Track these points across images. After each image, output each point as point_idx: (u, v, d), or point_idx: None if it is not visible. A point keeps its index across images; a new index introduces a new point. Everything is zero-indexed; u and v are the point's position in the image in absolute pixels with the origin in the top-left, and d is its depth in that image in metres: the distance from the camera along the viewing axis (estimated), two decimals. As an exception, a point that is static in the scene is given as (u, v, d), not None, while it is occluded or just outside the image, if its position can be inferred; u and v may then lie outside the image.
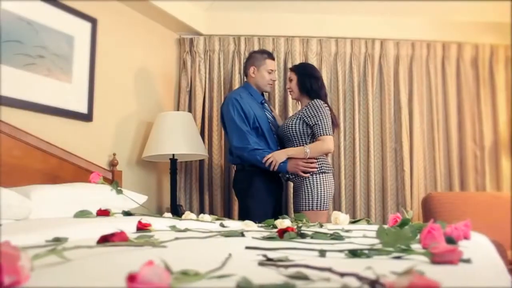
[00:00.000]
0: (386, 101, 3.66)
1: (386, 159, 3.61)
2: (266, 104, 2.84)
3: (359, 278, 0.53)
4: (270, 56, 2.79)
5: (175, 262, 0.81)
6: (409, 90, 3.71)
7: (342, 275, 0.57)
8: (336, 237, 1.27)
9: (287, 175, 2.61)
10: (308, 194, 2.50)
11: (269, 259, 0.85)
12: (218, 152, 3.53)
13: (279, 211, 2.91)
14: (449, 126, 3.72)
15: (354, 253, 0.92)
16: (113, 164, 2.89)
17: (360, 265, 0.80)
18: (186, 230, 1.42)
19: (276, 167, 2.55)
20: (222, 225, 1.65)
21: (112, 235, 1.05)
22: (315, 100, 2.55)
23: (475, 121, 3.75)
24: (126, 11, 3.17)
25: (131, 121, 3.17)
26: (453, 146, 3.70)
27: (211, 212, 3.43)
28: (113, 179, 2.80)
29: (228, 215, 3.44)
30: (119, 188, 2.26)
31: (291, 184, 3.34)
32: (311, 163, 2.53)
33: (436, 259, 0.82)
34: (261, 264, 0.80)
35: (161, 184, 3.42)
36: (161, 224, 1.48)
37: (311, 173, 2.52)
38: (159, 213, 3.10)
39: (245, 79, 2.93)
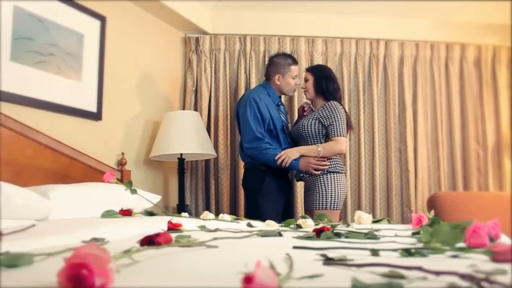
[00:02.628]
0: (390, 101, 3.67)
1: (391, 159, 3.63)
2: (282, 106, 2.82)
3: (463, 276, 0.52)
4: (294, 61, 2.76)
5: (236, 262, 0.80)
6: (413, 90, 3.73)
7: (437, 273, 0.57)
8: (371, 236, 1.27)
9: (301, 174, 2.61)
10: (322, 194, 2.49)
11: (329, 259, 0.84)
12: (224, 151, 3.51)
13: (288, 211, 2.90)
14: (453, 126, 3.75)
15: (408, 252, 0.92)
16: (121, 163, 2.86)
17: (429, 263, 0.79)
18: (216, 230, 1.40)
19: (288, 164, 2.54)
20: (249, 225, 1.64)
21: (157, 235, 1.03)
22: (331, 101, 2.56)
23: (478, 121, 3.79)
24: (133, 9, 3.14)
25: (138, 120, 3.14)
26: (456, 146, 3.73)
27: (217, 212, 3.41)
28: (122, 179, 2.77)
29: (234, 214, 3.41)
30: (132, 188, 2.24)
31: (298, 184, 3.34)
32: (323, 161, 2.53)
33: (498, 258, 0.82)
34: (326, 264, 0.79)
35: (168, 183, 3.39)
36: (189, 224, 1.46)
37: (324, 172, 2.52)
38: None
39: (265, 80, 2.85)
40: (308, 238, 1.24)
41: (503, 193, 3.49)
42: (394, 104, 3.68)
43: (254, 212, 2.65)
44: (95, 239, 1.11)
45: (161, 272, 0.69)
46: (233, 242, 1.13)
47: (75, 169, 2.51)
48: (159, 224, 1.40)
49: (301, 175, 2.61)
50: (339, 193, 2.51)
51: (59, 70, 2.47)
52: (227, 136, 3.54)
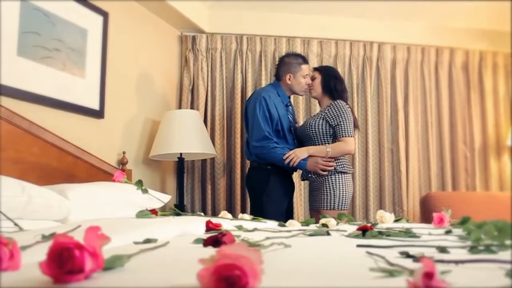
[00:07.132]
0: (383, 102, 3.75)
1: (383, 160, 3.70)
2: (290, 107, 2.83)
3: None
4: (305, 60, 2.76)
5: (331, 259, 0.81)
6: (405, 92, 3.82)
7: None
8: (412, 235, 1.30)
9: (309, 174, 2.62)
10: (330, 194, 2.51)
11: (409, 256, 0.86)
12: (221, 151, 3.49)
13: (289, 211, 2.91)
14: (442, 128, 3.86)
15: (476, 248, 0.95)
16: (122, 162, 2.80)
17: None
18: (254, 230, 1.40)
19: (296, 163, 2.55)
20: (281, 225, 1.64)
21: (222, 235, 1.03)
22: (338, 100, 2.58)
23: (465, 123, 3.91)
24: (131, 5, 3.08)
25: (137, 119, 3.08)
26: (445, 147, 3.84)
27: (213, 212, 3.40)
28: (124, 178, 2.71)
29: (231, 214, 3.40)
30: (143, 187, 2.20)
31: (299, 184, 3.37)
32: (330, 162, 2.55)
33: None
34: (415, 261, 0.81)
35: (165, 183, 3.34)
36: (226, 225, 1.45)
37: (331, 172, 2.54)
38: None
39: (276, 80, 2.83)
40: (355, 236, 1.26)
41: (494, 193, 3.63)
42: (386, 105, 3.76)
43: (259, 211, 2.65)
44: (148, 240, 1.09)
45: (273, 271, 0.69)
46: (297, 241, 1.12)
47: (79, 168, 2.44)
48: (198, 224, 1.39)
49: (309, 175, 2.63)
50: (347, 193, 2.54)
51: (64, 66, 2.40)
52: (224, 135, 3.53)
